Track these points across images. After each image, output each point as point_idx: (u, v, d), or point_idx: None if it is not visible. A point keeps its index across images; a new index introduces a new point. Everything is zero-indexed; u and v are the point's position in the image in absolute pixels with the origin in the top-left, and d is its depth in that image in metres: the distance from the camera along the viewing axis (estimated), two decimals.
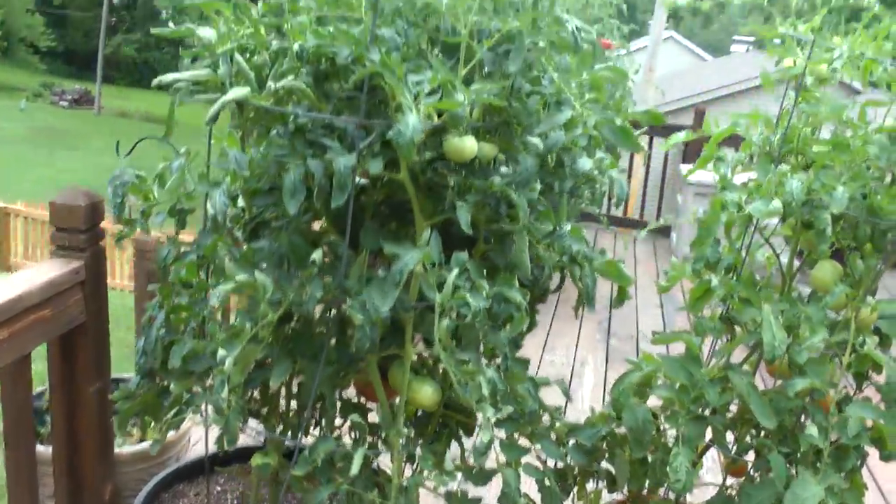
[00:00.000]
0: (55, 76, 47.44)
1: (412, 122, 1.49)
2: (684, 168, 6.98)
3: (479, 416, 1.63)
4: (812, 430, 1.76)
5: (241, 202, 1.98)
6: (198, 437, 3.08)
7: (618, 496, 2.28)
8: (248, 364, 1.73)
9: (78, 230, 2.22)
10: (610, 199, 2.15)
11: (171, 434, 2.66)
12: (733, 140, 2.18)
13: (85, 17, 49.12)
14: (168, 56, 50.87)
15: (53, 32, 46.32)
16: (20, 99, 39.13)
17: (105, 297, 2.36)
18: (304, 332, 1.95)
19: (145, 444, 2.71)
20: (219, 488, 2.43)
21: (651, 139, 7.47)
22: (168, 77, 1.73)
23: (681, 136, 2.29)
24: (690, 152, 7.52)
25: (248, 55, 1.82)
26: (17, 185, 22.37)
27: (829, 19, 2.05)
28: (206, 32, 1.67)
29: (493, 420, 1.61)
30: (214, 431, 1.95)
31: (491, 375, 1.64)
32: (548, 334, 5.10)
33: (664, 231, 7.45)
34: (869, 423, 1.83)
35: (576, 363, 4.80)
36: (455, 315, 1.62)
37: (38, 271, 2.12)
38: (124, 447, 2.66)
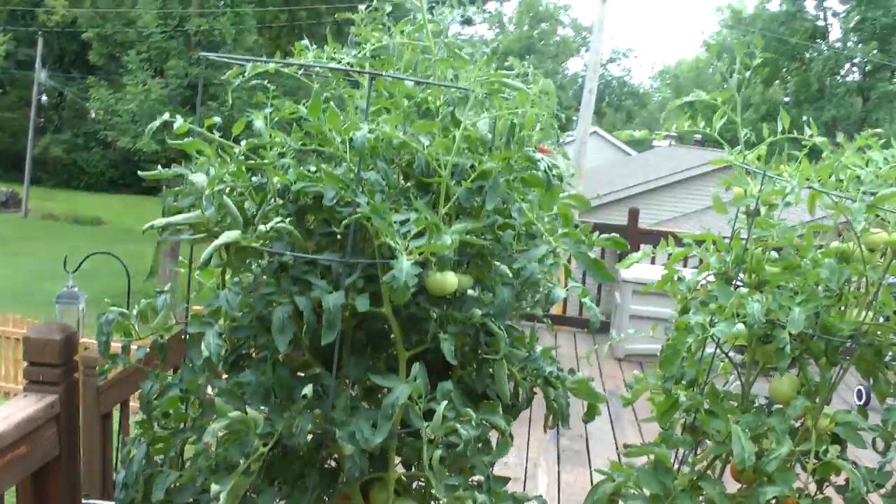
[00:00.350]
0: None
1: (405, 268, 1.56)
2: (624, 273, 7.16)
3: None
4: None
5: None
6: None
7: None
8: (238, 495, 1.75)
9: (52, 365, 2.23)
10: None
11: None
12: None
13: (11, 118, 48.66)
14: (97, 156, 50.56)
15: None
16: None
17: (78, 430, 2.36)
18: (285, 458, 1.98)
19: None
20: None
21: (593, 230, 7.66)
22: (160, 221, 1.79)
23: (637, 256, 2.41)
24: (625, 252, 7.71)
25: (228, 190, 1.88)
26: None
27: (771, 148, 2.20)
28: (199, 178, 1.73)
29: None
30: None
31: (482, 500, 1.70)
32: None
33: (603, 327, 7.59)
34: None
35: (528, 464, 4.84)
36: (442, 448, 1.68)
37: (13, 408, 2.12)
38: None
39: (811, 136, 2.11)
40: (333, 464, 2.06)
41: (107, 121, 26.37)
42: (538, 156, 1.84)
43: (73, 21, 38.53)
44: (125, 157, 47.24)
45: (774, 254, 2.24)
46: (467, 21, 37.52)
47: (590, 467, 4.80)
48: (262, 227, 1.71)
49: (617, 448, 5.04)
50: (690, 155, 22.27)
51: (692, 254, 2.31)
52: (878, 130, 2.18)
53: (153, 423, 2.06)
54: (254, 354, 1.98)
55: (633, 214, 7.50)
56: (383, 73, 1.88)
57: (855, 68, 41.72)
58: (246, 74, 1.97)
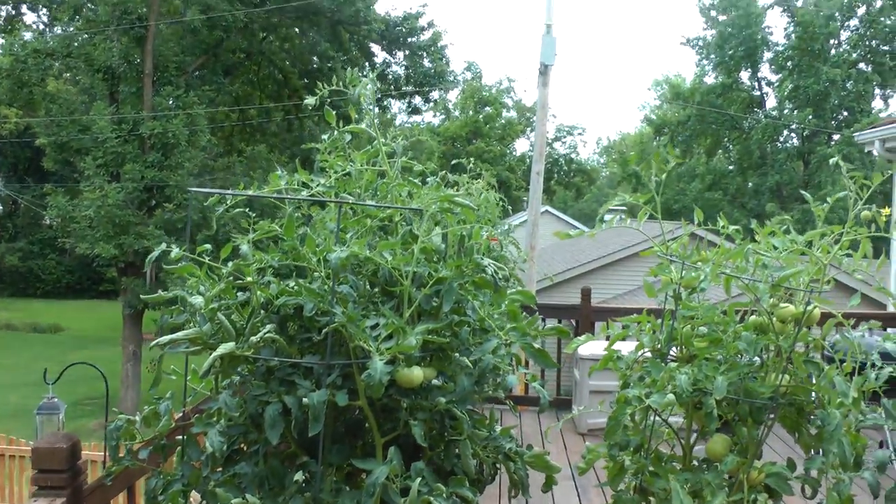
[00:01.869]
0: None
1: (380, 367, 1.84)
2: (581, 351, 7.45)
3: None
4: None
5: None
6: None
7: None
8: None
9: (60, 470, 2.46)
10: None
11: None
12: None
13: None
14: (52, 263, 50.33)
15: None
16: None
17: None
18: None
19: None
20: None
21: (544, 319, 8.00)
22: (165, 339, 2.05)
23: (582, 339, 2.70)
24: (582, 329, 8.05)
25: (217, 306, 2.15)
26: None
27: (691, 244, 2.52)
28: (197, 300, 2.00)
29: None
30: None
31: None
32: None
33: (565, 403, 7.85)
34: None
35: None
36: None
37: None
38: None
39: (724, 226, 2.43)
40: None
41: (64, 228, 26.40)
42: (486, 262, 2.14)
43: (25, 129, 38.78)
44: (81, 262, 47.10)
45: (704, 329, 2.54)
46: (415, 111, 38.22)
47: None
48: (253, 339, 1.98)
49: None
50: (642, 227, 22.79)
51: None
52: (785, 217, 2.51)
53: None
54: (244, 448, 2.23)
55: (586, 294, 7.83)
56: (350, 201, 2.18)
57: (794, 134, 43.07)
58: (229, 201, 2.26)
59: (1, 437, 14.30)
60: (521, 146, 62.40)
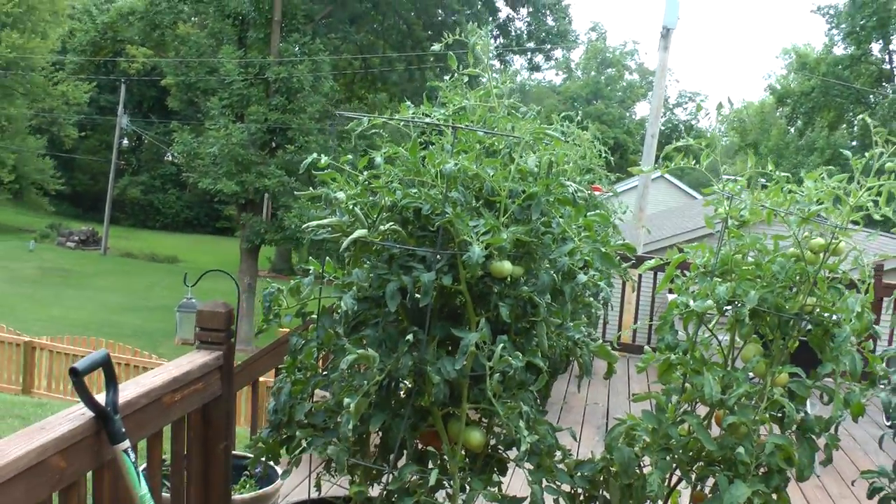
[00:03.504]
0: (63, 217, 48.92)
1: (477, 251, 2.40)
2: (670, 297, 7.91)
3: (520, 440, 2.49)
4: (741, 453, 2.61)
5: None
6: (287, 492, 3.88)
7: None
8: (360, 410, 2.58)
9: (219, 329, 3.11)
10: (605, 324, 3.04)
11: (269, 488, 3.51)
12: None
13: (92, 160, 50.89)
14: (172, 198, 52.50)
15: (63, 176, 48.03)
16: (29, 240, 40.30)
17: (233, 379, 3.22)
18: (387, 399, 2.81)
19: (252, 494, 3.53)
20: None
21: (640, 276, 8.47)
22: (313, 223, 2.65)
23: (651, 263, 3.21)
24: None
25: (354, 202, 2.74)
26: (31, 323, 23.25)
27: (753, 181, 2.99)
28: (340, 195, 2.60)
29: (529, 442, 2.47)
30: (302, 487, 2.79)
31: (526, 409, 2.52)
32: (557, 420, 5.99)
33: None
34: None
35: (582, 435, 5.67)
36: (500, 375, 2.50)
37: (194, 358, 3.00)
38: (235, 496, 3.48)
39: (772, 171, 2.90)
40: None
41: (189, 163, 27.69)
42: (568, 183, 2.68)
43: (152, 69, 40.49)
44: (199, 199, 49.13)
45: (751, 257, 3.02)
46: (535, 68, 38.44)
47: None
48: (381, 227, 2.56)
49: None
50: (741, 205, 22.74)
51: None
52: (831, 168, 2.95)
53: (295, 370, 2.92)
54: (367, 320, 2.83)
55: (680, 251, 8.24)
56: (463, 126, 2.73)
57: None
58: (367, 123, 2.84)
59: (127, 349, 15.55)
60: (641, 110, 61.85)
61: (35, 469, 2.10)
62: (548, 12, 35.78)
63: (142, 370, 14.76)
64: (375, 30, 34.97)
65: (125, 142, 52.95)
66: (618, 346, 8.70)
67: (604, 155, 5.87)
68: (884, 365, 3.02)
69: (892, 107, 39.90)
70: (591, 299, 3.49)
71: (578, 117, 5.14)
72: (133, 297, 32.26)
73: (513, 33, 34.94)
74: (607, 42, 63.51)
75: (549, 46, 36.79)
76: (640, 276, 8.40)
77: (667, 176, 34.75)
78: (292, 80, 26.07)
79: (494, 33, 35.04)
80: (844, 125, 44.67)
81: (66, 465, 2.22)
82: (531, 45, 35.70)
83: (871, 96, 41.74)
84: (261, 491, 3.54)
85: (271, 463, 3.65)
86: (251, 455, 3.16)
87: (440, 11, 33.93)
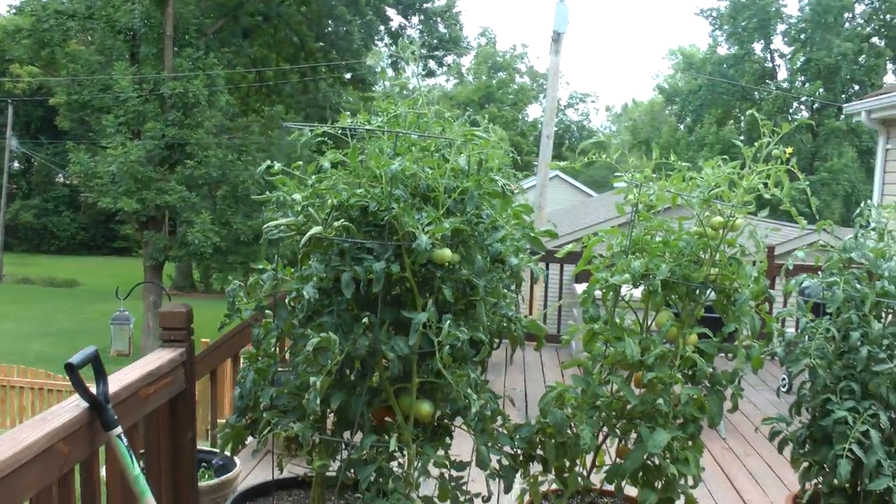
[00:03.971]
0: None
1: (424, 240, 2.73)
2: (577, 287, 8.35)
3: (469, 404, 2.81)
4: (661, 403, 2.99)
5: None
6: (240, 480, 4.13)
7: (551, 485, 3.45)
8: (325, 387, 2.86)
9: (180, 328, 3.36)
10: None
11: (230, 474, 3.76)
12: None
13: None
14: (66, 220, 51.20)
15: None
16: None
17: (194, 374, 3.47)
18: (344, 379, 3.11)
19: (216, 480, 3.78)
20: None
21: (547, 265, 8.89)
22: (272, 223, 2.93)
23: (568, 247, 3.58)
24: (582, 276, 8.91)
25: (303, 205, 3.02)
26: None
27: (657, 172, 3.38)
28: (297, 197, 2.89)
29: (478, 404, 2.80)
30: (261, 473, 3.07)
31: (474, 376, 2.85)
32: None
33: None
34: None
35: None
36: (448, 347, 2.82)
37: (161, 354, 3.25)
38: (201, 483, 3.72)
39: (674, 161, 3.29)
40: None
41: (86, 183, 27.27)
42: (497, 177, 3.02)
43: (38, 88, 39.55)
44: (94, 220, 48.15)
45: (659, 237, 3.41)
46: (429, 73, 38.94)
47: None
48: (335, 224, 2.86)
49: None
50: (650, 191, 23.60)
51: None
52: (725, 157, 3.36)
53: (258, 359, 3.20)
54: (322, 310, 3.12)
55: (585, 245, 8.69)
56: (403, 131, 3.05)
57: (803, 107, 43.65)
58: (310, 133, 3.13)
59: (41, 373, 15.38)
60: (533, 112, 62.99)
61: (46, 454, 2.33)
62: (439, 19, 36.38)
63: (56, 393, 14.65)
64: (268, 43, 34.99)
65: (15, 164, 51.48)
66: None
67: (511, 154, 6.26)
68: (778, 325, 3.45)
69: (776, 102, 41.66)
70: (506, 290, 3.84)
71: (485, 119, 5.52)
72: (34, 324, 31.49)
73: (405, 41, 35.38)
74: (497, 46, 64.53)
75: (441, 53, 37.37)
76: (547, 265, 8.85)
77: (561, 175, 35.53)
78: (188, 94, 25.97)
79: (386, 41, 35.49)
80: (732, 121, 46.43)
81: (69, 451, 2.46)
82: (423, 51, 36.17)
83: (756, 93, 43.48)
84: (223, 477, 3.79)
85: (228, 454, 3.92)
86: (208, 448, 3.42)
87: (331, 23, 34.16)
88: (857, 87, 41.77)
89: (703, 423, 3.21)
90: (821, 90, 40.73)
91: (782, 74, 45.08)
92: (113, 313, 6.39)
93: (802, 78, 43.01)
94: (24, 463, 2.22)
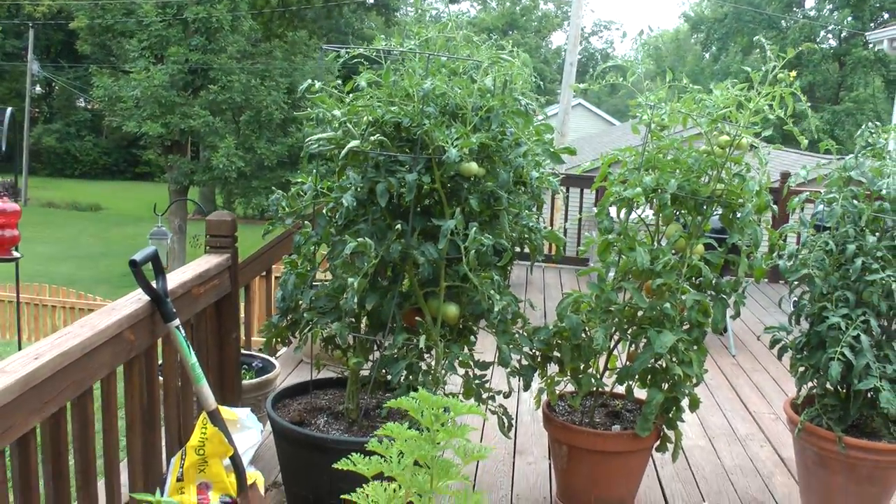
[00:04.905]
0: None
1: (454, 152, 2.98)
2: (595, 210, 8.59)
3: (493, 304, 3.10)
4: (668, 307, 3.26)
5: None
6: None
7: (566, 386, 3.74)
8: (362, 288, 3.14)
9: (226, 235, 3.64)
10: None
11: (270, 374, 4.08)
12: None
13: (2, 109, 49.46)
14: (89, 145, 51.43)
15: None
16: None
17: (238, 278, 3.76)
18: (377, 282, 3.39)
19: (255, 380, 4.10)
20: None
21: (567, 189, 9.12)
22: (314, 137, 3.19)
23: (587, 165, 3.82)
24: (600, 198, 9.14)
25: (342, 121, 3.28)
26: None
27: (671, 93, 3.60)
28: (337, 112, 3.14)
29: (501, 304, 3.08)
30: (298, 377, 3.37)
31: (497, 279, 3.13)
32: None
33: (583, 262, 9.04)
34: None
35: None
36: (474, 252, 3.09)
37: (209, 259, 3.54)
38: (244, 381, 4.04)
39: (687, 84, 3.51)
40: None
41: (110, 107, 27.42)
42: (520, 97, 3.25)
43: (58, 12, 39.52)
44: (117, 145, 48.38)
45: (671, 155, 3.64)
46: (453, 0, 38.68)
47: None
48: (371, 138, 3.11)
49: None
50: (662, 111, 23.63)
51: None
52: (735, 81, 3.57)
53: (297, 264, 3.48)
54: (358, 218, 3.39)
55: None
56: (432, 54, 3.28)
57: (830, 35, 43.11)
58: (347, 54, 3.37)
59: (72, 293, 15.81)
60: (557, 40, 62.35)
61: (116, 339, 2.64)
62: None
63: (87, 312, 15.08)
64: None
65: (37, 88, 51.63)
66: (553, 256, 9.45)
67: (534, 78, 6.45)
68: (781, 240, 3.70)
69: (803, 30, 41.13)
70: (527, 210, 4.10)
71: (509, 44, 5.72)
72: (61, 246, 32.04)
73: None
74: None
75: None
76: (567, 189, 9.08)
77: (584, 103, 35.42)
78: (211, 19, 25.96)
79: None
80: (757, 49, 45.65)
81: (134, 338, 2.76)
82: None
83: (783, 21, 42.93)
84: (265, 377, 4.11)
85: (268, 357, 4.24)
86: (247, 352, 3.73)
87: None
88: (886, 16, 41.14)
89: (708, 328, 3.48)
90: (849, 18, 40.19)
91: (809, 2, 44.46)
92: (151, 229, 6.70)
93: (830, 6, 42.41)
94: (99, 345, 2.52)
